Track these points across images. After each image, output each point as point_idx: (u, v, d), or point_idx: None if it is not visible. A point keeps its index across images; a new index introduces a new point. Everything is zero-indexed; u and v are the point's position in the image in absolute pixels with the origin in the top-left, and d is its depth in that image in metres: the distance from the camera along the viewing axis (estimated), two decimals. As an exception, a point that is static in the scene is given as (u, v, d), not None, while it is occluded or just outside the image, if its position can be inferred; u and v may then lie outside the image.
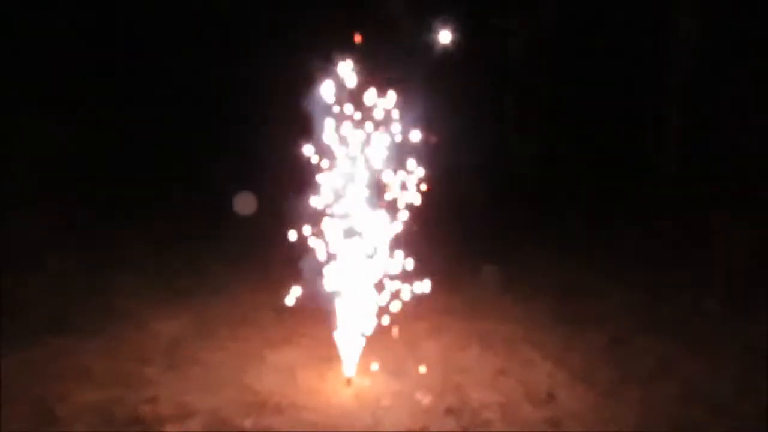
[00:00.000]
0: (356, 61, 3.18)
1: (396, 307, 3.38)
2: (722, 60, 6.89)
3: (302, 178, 3.28)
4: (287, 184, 3.41)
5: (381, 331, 3.52)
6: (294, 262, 3.38)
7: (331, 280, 3.31)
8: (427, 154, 3.35)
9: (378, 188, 3.29)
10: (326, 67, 3.17)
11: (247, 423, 2.99)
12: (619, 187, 6.81)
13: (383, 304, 3.38)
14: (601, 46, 7.74)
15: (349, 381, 3.32)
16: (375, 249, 3.30)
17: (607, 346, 3.75)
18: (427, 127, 3.34)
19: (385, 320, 3.40)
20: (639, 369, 3.51)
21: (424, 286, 3.36)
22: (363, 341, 3.38)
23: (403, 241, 3.37)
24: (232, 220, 5.69)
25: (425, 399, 3.21)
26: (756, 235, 5.06)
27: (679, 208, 6.28)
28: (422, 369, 3.45)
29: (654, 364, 3.57)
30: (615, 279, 4.68)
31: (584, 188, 6.84)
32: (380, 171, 3.26)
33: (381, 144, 3.24)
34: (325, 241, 3.29)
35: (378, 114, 3.21)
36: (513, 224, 5.88)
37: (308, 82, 3.20)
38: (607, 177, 7.05)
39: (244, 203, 5.50)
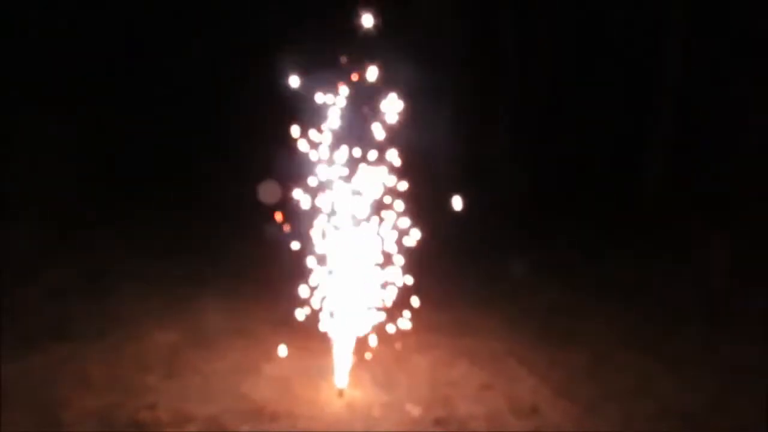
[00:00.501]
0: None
1: (387, 323, 3.58)
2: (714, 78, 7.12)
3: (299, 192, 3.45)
4: (285, 196, 3.57)
5: (372, 347, 3.73)
6: (290, 276, 3.56)
7: (325, 296, 3.50)
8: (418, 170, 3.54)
9: (372, 208, 3.47)
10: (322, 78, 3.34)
11: (244, 429, 3.17)
12: (607, 207, 7.03)
13: (375, 320, 3.57)
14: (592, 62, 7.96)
15: (341, 392, 3.51)
16: (368, 266, 3.49)
17: (589, 364, 3.94)
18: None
19: (377, 336, 3.60)
20: (619, 385, 3.71)
21: (414, 302, 3.56)
22: (355, 355, 3.57)
23: (395, 259, 3.57)
24: (231, 229, 5.86)
25: (414, 410, 3.40)
26: (739, 255, 5.31)
27: (664, 227, 6.50)
28: (412, 382, 3.64)
29: (634, 381, 3.78)
30: (598, 298, 4.89)
31: (572, 208, 7.04)
32: (374, 191, 3.44)
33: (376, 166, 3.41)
34: (320, 256, 3.48)
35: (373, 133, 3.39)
36: (499, 243, 6.07)
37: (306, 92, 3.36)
38: (594, 197, 7.27)
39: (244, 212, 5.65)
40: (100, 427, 3.13)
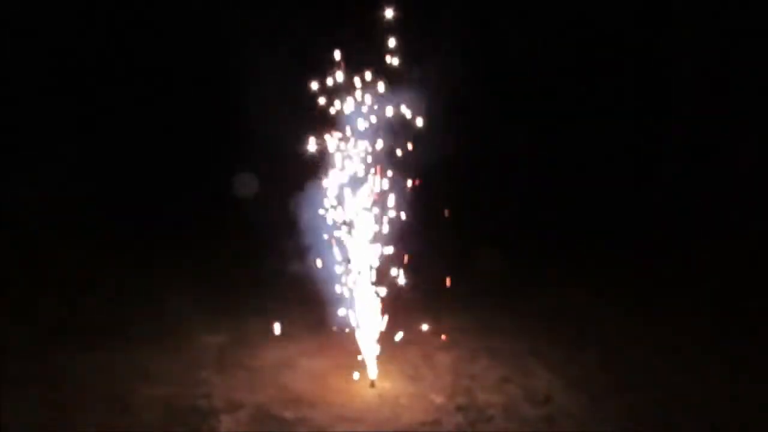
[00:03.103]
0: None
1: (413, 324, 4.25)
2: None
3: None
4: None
5: (400, 344, 4.41)
6: (320, 283, 4.25)
7: (356, 298, 4.18)
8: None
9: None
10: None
11: (287, 414, 3.83)
12: (616, 217, 7.58)
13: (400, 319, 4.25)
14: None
15: (372, 383, 4.16)
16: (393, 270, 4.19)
17: (601, 360, 4.51)
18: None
19: (404, 335, 4.25)
20: (629, 379, 4.27)
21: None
22: (384, 351, 4.22)
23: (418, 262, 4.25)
24: (261, 245, 6.60)
25: (438, 399, 4.02)
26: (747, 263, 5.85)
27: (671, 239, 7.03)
28: (436, 375, 4.27)
29: (643, 375, 4.33)
30: (611, 302, 5.49)
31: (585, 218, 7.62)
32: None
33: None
34: (348, 265, 4.17)
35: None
36: (517, 252, 6.67)
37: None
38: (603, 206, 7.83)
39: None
40: (164, 412, 3.84)
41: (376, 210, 4.15)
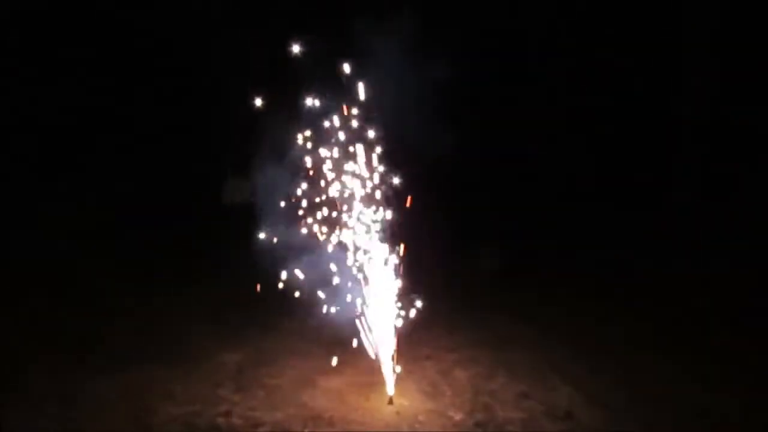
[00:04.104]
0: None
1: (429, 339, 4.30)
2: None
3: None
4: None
5: (418, 361, 4.43)
6: (333, 297, 4.31)
7: (369, 315, 4.24)
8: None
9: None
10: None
11: (306, 432, 3.89)
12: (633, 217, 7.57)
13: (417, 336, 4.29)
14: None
15: (390, 400, 4.19)
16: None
17: (621, 370, 4.51)
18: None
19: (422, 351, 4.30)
20: (650, 391, 4.26)
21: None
22: (401, 367, 4.26)
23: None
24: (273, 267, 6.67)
25: (457, 416, 4.04)
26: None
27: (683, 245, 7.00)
28: (454, 392, 4.29)
29: (664, 387, 4.32)
30: (622, 310, 5.51)
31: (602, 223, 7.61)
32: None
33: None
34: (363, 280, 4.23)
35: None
36: (530, 262, 6.72)
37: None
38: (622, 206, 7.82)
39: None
40: (185, 430, 3.91)
41: (385, 223, 4.22)
